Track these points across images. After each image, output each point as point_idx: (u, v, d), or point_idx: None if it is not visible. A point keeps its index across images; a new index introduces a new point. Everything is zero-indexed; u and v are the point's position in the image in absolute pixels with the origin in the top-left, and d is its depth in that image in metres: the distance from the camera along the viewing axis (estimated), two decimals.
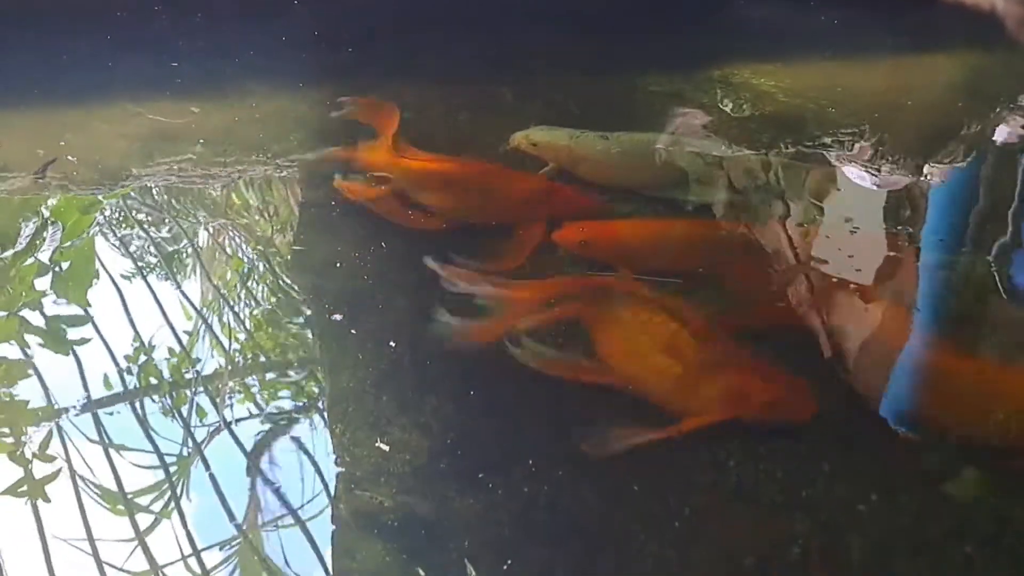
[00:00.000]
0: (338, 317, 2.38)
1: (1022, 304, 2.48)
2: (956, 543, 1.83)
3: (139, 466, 2.08)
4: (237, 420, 2.20)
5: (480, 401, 2.16)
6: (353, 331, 2.33)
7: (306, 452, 2.12)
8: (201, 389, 2.28)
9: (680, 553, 1.82)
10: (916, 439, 2.09)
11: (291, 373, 2.38)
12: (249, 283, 2.76)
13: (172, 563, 1.88)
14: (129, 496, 2.02)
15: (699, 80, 3.55)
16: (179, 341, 2.44)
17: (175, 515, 1.97)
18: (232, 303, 2.65)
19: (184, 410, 2.23)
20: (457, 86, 3.48)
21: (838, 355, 2.25)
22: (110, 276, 2.65)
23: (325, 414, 2.20)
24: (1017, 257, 2.63)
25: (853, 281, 2.45)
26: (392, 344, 2.28)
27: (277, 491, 2.03)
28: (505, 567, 1.80)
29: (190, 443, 2.15)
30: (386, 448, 2.02)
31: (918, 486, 1.95)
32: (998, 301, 2.50)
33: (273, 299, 2.68)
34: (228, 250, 2.89)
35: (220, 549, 1.92)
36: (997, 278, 2.53)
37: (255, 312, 2.63)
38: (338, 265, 2.55)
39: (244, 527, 1.95)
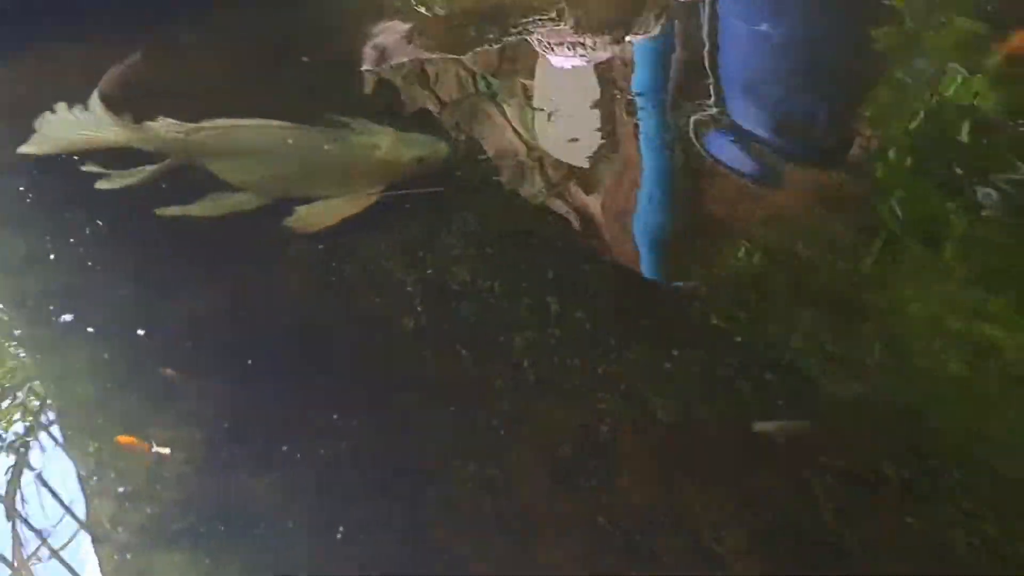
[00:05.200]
0: (68, 318, 2.08)
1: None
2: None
3: None
4: None
5: (250, 372, 1.98)
6: (90, 329, 2.04)
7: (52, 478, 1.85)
8: None
9: (501, 464, 1.78)
10: None
11: (18, 394, 2.05)
12: None
13: None
14: None
15: None
16: None
17: None
18: None
19: None
20: None
21: None
22: None
23: (65, 431, 1.93)
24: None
25: None
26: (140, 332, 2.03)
27: (41, 525, 1.78)
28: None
29: None
30: (166, 451, 1.80)
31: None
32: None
33: None
34: None
35: None
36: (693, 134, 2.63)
37: None
38: (52, 257, 2.22)
39: (15, 566, 1.72)
